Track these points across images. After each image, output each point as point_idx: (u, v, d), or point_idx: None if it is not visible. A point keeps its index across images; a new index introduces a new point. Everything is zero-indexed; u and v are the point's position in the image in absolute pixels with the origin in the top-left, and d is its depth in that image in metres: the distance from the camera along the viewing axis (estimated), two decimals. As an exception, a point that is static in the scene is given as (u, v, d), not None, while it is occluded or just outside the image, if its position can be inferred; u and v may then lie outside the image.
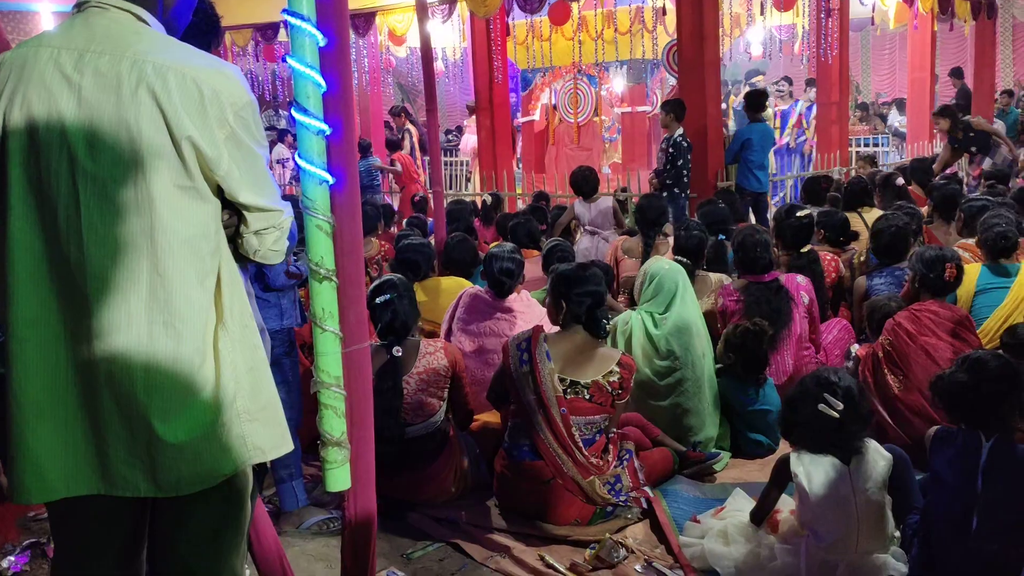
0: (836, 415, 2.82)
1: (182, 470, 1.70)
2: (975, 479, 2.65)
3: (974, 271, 4.43)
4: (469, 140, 13.98)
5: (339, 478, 2.07)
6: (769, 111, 11.29)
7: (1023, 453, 2.67)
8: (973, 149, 9.92)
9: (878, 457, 2.88)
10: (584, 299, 3.52)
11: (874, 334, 4.29)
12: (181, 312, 1.68)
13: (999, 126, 13.01)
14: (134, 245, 1.66)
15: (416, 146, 12.89)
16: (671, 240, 5.70)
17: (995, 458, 2.65)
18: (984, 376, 2.72)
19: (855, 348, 4.26)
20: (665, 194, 7.79)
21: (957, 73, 15.38)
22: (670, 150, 7.90)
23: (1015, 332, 3.98)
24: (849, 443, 2.87)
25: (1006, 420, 2.70)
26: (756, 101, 8.75)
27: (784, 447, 3.90)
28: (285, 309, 3.55)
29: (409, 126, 13.12)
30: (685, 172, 7.95)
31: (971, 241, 4.95)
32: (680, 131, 7.94)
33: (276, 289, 3.45)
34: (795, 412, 2.96)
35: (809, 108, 12.45)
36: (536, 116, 13.21)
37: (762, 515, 3.10)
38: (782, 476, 3.00)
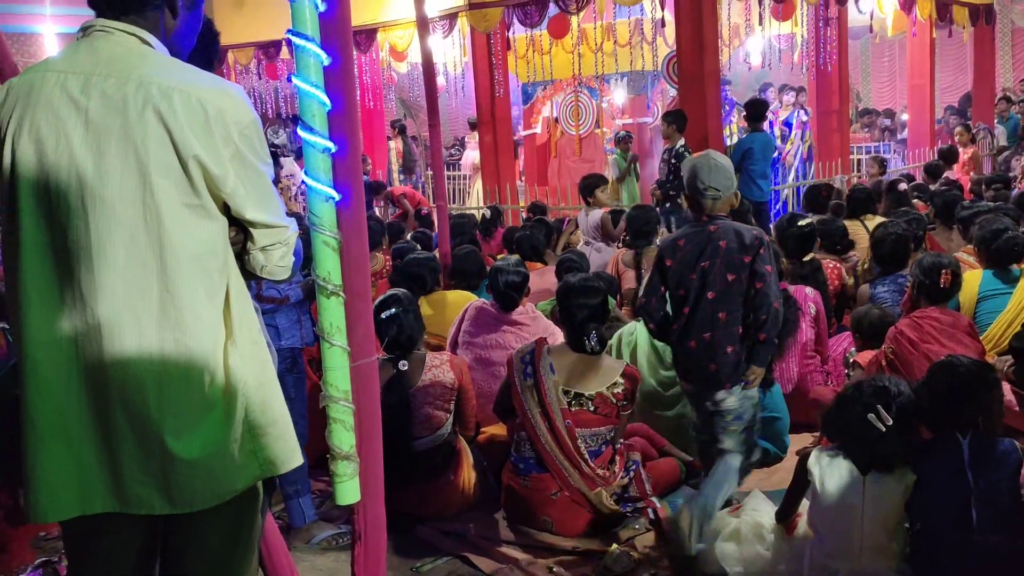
0: (883, 428, 2.76)
1: (196, 486, 1.72)
2: (964, 475, 2.68)
3: (976, 277, 4.44)
4: (470, 155, 14.05)
5: (349, 491, 2.09)
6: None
7: (1000, 445, 2.74)
8: None
9: (903, 477, 2.81)
10: (576, 312, 3.54)
11: (864, 343, 4.30)
12: (191, 329, 1.70)
13: (1000, 132, 13.04)
14: (144, 264, 1.68)
15: (395, 161, 12.91)
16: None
17: (976, 453, 2.70)
18: (954, 380, 2.77)
19: (853, 354, 4.28)
20: (668, 204, 7.82)
21: None
22: (672, 160, 7.93)
23: (1022, 337, 3.98)
24: (886, 460, 2.80)
25: (980, 419, 2.74)
26: (757, 110, 8.77)
27: (791, 456, 3.91)
28: (283, 328, 3.57)
29: (394, 143, 13.17)
30: None
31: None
32: (682, 141, 7.97)
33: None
34: (842, 412, 2.88)
35: (791, 115, 12.46)
36: (538, 129, 13.25)
37: (787, 513, 3.08)
38: (802, 473, 2.98)
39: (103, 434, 1.71)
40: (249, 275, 1.86)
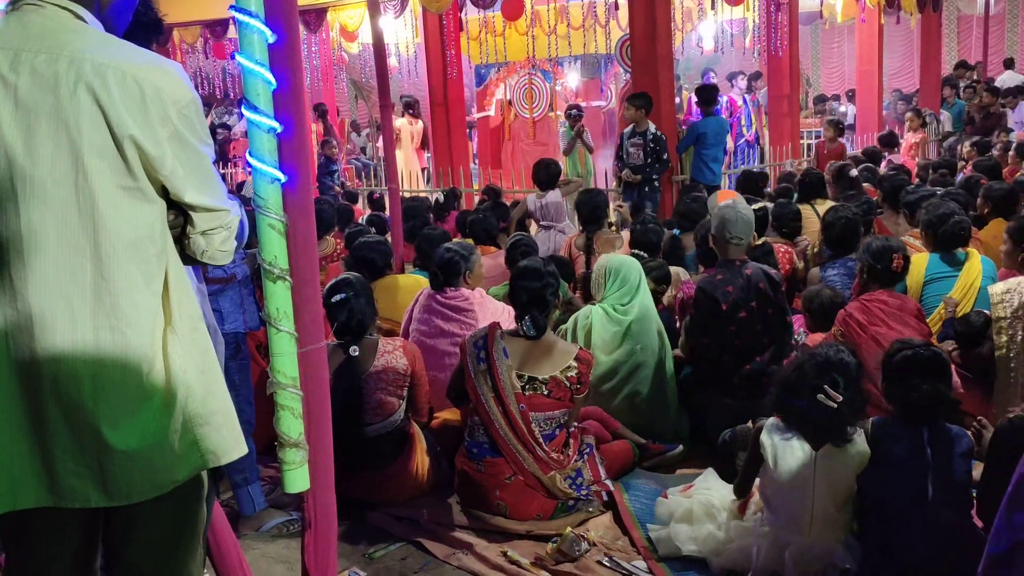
0: (834, 406, 2.78)
1: (134, 478, 1.66)
2: (924, 453, 2.75)
3: (923, 260, 4.50)
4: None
5: (298, 479, 2.05)
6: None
7: (952, 429, 2.82)
8: None
9: (857, 450, 2.83)
10: (521, 294, 3.53)
11: (814, 323, 4.36)
12: (128, 316, 1.64)
13: (945, 117, 13.29)
14: (77, 249, 1.62)
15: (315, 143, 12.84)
16: (625, 234, 5.73)
17: (935, 433, 2.78)
18: (914, 364, 2.81)
19: (803, 335, 4.33)
20: (647, 189, 7.86)
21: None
22: (651, 144, 7.94)
23: (968, 320, 4.06)
24: (841, 431, 2.82)
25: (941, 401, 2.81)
26: (707, 95, 8.82)
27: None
28: (226, 312, 3.48)
29: (315, 126, 13.11)
30: (669, 164, 8.11)
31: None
32: (652, 125, 7.99)
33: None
34: (793, 397, 2.89)
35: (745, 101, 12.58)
36: (491, 112, 13.20)
37: (744, 488, 3.11)
38: (756, 448, 2.99)
39: (35, 425, 1.64)
40: (189, 260, 1.80)
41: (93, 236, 1.62)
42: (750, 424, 3.39)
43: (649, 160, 7.97)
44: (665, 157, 7.99)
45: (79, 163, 1.60)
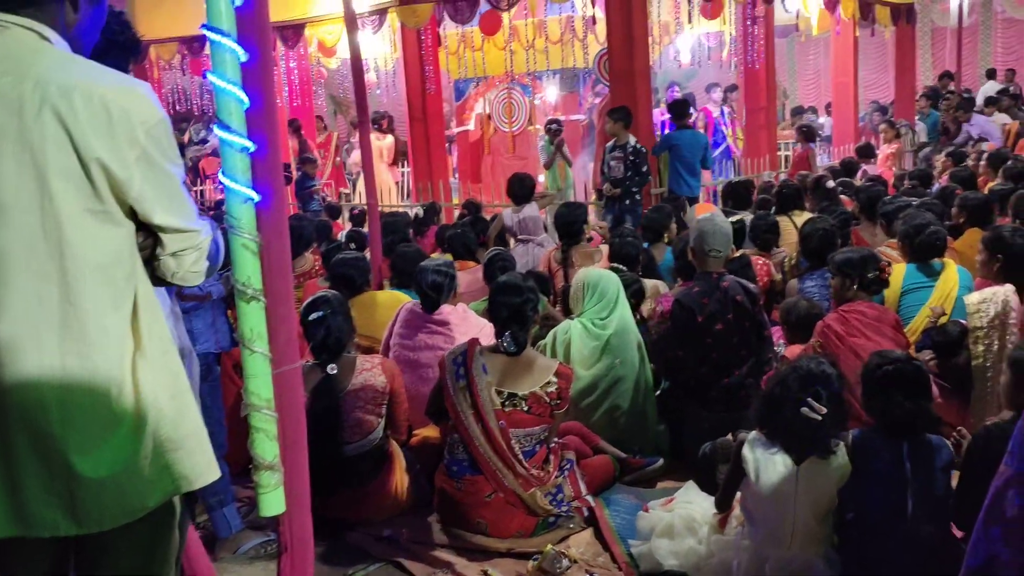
0: (818, 418, 2.76)
1: (105, 505, 1.63)
2: (903, 467, 2.75)
3: (900, 271, 4.53)
4: (356, 155, 14.08)
5: (273, 502, 2.03)
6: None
7: (932, 440, 2.82)
8: None
9: (839, 464, 2.82)
10: (501, 309, 3.52)
11: (791, 335, 4.37)
12: (96, 341, 1.61)
13: (920, 128, 13.43)
14: (43, 275, 1.59)
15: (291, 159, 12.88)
16: (604, 248, 5.74)
17: (915, 446, 2.78)
18: (893, 378, 2.82)
19: (782, 347, 4.34)
20: (628, 202, 7.87)
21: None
22: (631, 158, 7.96)
23: (945, 331, 4.08)
24: (825, 443, 2.81)
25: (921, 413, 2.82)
26: (679, 109, 8.81)
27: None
28: (198, 332, 3.45)
29: (291, 142, 13.13)
30: (650, 178, 8.16)
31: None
32: (633, 139, 8.00)
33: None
34: (776, 411, 2.86)
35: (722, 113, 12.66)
36: (471, 126, 13.21)
37: (726, 502, 3.08)
38: (738, 461, 2.97)
39: (2, 455, 1.61)
40: (160, 281, 1.77)
41: (60, 261, 1.59)
42: (730, 437, 3.39)
43: (629, 173, 7.99)
44: (645, 170, 8.02)
45: (45, 187, 1.57)
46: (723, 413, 3.95)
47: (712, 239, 4.06)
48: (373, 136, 12.83)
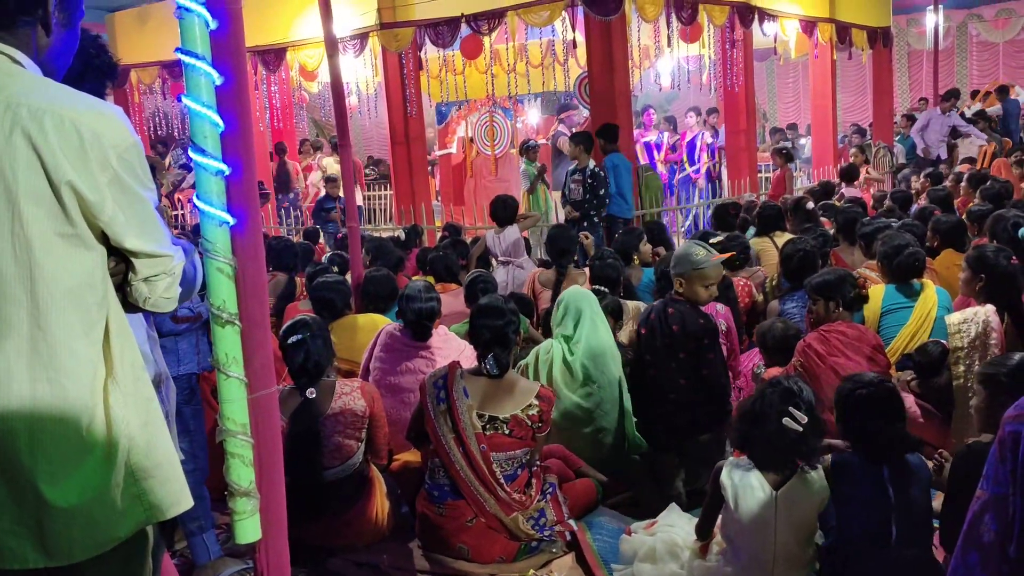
0: (800, 428, 2.76)
1: (74, 536, 1.60)
2: (886, 491, 2.74)
3: (879, 291, 4.55)
4: (314, 176, 14.22)
5: (249, 529, 2.00)
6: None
7: (911, 460, 2.81)
8: None
9: (818, 488, 2.82)
10: (483, 332, 3.50)
11: (769, 357, 4.37)
12: (66, 367, 1.58)
13: (899, 150, 13.55)
14: (11, 298, 1.56)
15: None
16: (587, 270, 5.73)
17: (896, 470, 2.77)
18: (869, 403, 2.82)
19: (762, 369, 4.33)
20: (586, 224, 7.86)
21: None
22: (589, 180, 7.97)
23: (926, 351, 4.09)
24: (810, 457, 2.81)
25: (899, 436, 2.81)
26: (610, 133, 8.63)
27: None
28: (183, 354, 3.42)
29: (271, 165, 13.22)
30: (608, 201, 8.09)
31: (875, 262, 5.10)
32: (592, 163, 8.03)
33: (169, 334, 3.33)
34: (757, 427, 2.84)
35: (696, 137, 12.72)
36: (453, 149, 13.24)
37: (706, 529, 3.07)
38: (716, 488, 2.96)
39: None
40: (132, 308, 1.74)
41: (30, 286, 1.56)
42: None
43: (587, 196, 8.02)
44: (602, 193, 8.03)
45: (15, 210, 1.55)
46: (667, 434, 4.02)
47: (673, 262, 4.07)
48: (332, 160, 12.91)
